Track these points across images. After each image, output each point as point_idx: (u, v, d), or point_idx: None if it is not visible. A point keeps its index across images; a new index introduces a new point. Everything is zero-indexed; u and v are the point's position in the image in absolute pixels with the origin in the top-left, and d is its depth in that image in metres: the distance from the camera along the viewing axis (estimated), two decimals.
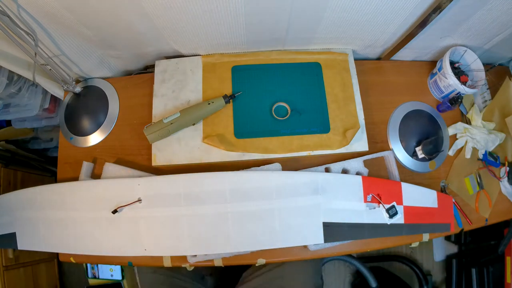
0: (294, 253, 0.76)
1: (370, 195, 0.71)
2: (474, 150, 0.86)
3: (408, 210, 0.73)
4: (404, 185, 0.74)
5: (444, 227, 0.77)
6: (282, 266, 0.83)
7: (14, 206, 0.75)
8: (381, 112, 0.87)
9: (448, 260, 1.46)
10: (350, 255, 1.36)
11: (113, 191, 0.69)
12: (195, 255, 0.72)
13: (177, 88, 0.79)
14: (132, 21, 0.67)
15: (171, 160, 0.74)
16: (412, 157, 0.84)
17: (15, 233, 0.74)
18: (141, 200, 0.68)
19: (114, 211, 0.67)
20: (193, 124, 0.76)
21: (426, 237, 0.78)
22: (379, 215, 0.71)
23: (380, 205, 0.71)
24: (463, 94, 0.82)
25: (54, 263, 1.38)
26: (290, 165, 0.77)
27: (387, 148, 0.84)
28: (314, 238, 0.69)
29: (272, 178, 0.68)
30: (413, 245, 0.80)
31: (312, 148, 0.76)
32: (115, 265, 1.18)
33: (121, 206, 0.67)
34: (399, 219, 0.72)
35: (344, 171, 0.77)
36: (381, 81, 0.89)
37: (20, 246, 0.74)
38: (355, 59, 0.84)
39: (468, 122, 0.89)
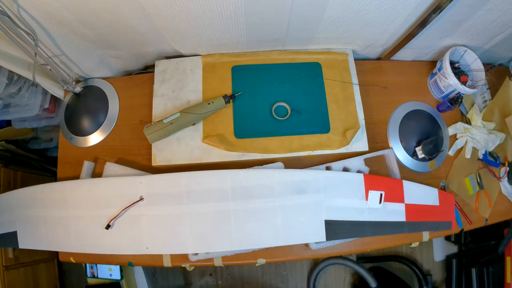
0: (295, 253, 0.76)
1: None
2: (474, 150, 0.86)
3: (410, 208, 0.73)
4: (406, 183, 0.74)
5: (445, 225, 0.77)
6: None
7: (15, 205, 0.75)
8: (381, 112, 0.87)
9: (448, 260, 1.45)
10: (348, 258, 1.36)
11: (115, 189, 0.69)
12: (197, 254, 0.72)
13: (177, 88, 0.79)
14: (132, 21, 0.67)
15: (171, 160, 0.74)
16: (412, 157, 0.84)
17: (16, 232, 0.74)
18: (143, 198, 0.68)
19: (107, 227, 0.67)
20: (193, 124, 0.76)
21: (426, 237, 0.78)
22: (380, 213, 0.71)
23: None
24: (463, 94, 0.82)
25: (54, 263, 1.38)
26: (291, 165, 0.77)
27: (387, 148, 0.84)
28: (316, 236, 0.69)
29: (274, 176, 0.68)
30: (413, 245, 0.80)
31: (312, 148, 0.76)
32: (115, 265, 1.18)
33: (113, 219, 0.67)
34: (400, 216, 0.72)
35: (345, 170, 0.77)
36: (381, 81, 0.89)
37: (21, 245, 0.74)
38: (355, 59, 0.84)
39: (468, 122, 0.89)
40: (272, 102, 0.80)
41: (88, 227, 0.70)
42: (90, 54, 0.79)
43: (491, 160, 0.85)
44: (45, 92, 0.93)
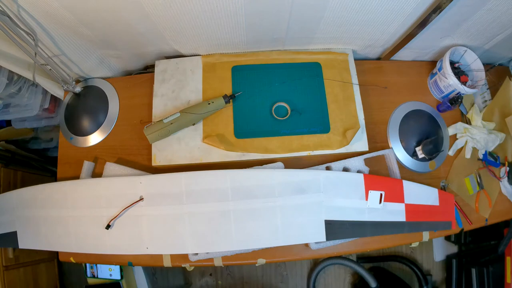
0: (295, 253, 0.76)
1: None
2: (474, 150, 0.86)
3: (410, 208, 0.73)
4: (406, 183, 0.74)
5: (445, 225, 0.77)
6: None
7: (15, 205, 0.75)
8: (381, 112, 0.87)
9: (448, 260, 1.45)
10: (348, 258, 1.36)
11: (115, 189, 0.69)
12: (197, 254, 0.72)
13: (177, 88, 0.79)
14: (132, 21, 0.67)
15: (171, 160, 0.74)
16: (412, 157, 0.84)
17: (16, 232, 0.74)
18: (143, 198, 0.68)
19: (107, 227, 0.67)
20: (193, 124, 0.76)
21: (426, 236, 0.78)
22: (380, 213, 0.71)
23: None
24: (463, 94, 0.82)
25: (54, 263, 1.38)
26: (291, 165, 0.77)
27: (387, 148, 0.84)
28: (316, 236, 0.69)
29: (274, 176, 0.68)
30: (413, 245, 0.80)
31: (312, 148, 0.76)
32: (115, 265, 1.18)
33: (113, 219, 0.67)
34: (400, 216, 0.72)
35: (345, 170, 0.77)
36: (381, 81, 0.89)
37: (21, 245, 0.74)
38: (355, 59, 0.84)
39: (468, 122, 0.89)
40: (272, 102, 0.80)
41: (88, 227, 0.70)
42: (90, 54, 0.79)
43: (491, 160, 0.85)
44: (45, 92, 0.93)
